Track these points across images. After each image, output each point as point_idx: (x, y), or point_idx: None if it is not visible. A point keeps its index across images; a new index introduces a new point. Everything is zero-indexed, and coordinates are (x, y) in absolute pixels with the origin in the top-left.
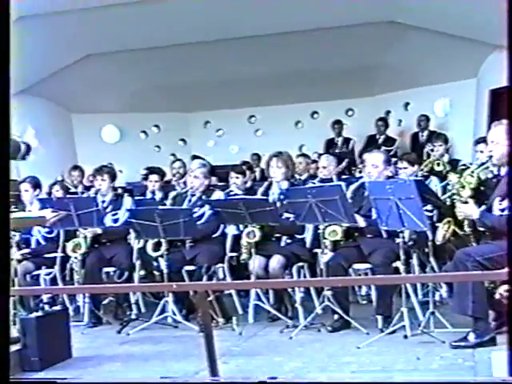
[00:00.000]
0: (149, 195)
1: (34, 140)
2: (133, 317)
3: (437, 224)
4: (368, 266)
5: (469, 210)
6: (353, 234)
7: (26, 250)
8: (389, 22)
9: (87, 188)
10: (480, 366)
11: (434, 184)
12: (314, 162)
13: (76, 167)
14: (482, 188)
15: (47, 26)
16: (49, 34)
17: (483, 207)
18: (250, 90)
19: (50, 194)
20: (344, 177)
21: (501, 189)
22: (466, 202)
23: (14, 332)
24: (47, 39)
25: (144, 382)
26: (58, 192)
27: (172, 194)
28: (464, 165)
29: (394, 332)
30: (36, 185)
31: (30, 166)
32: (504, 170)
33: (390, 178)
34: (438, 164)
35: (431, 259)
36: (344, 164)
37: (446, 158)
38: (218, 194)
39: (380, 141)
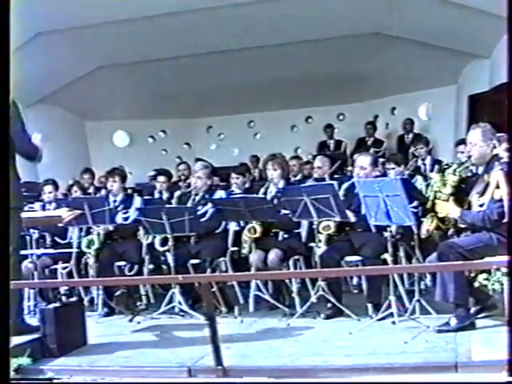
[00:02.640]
0: (156, 195)
1: (41, 144)
2: (143, 307)
3: (421, 219)
4: (359, 258)
5: (449, 210)
6: (344, 228)
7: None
8: (375, 34)
9: (98, 189)
10: (461, 348)
11: (420, 183)
12: (308, 163)
13: (87, 170)
14: (462, 185)
15: (62, 40)
16: (63, 47)
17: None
18: (249, 97)
19: (66, 194)
20: (336, 176)
21: (478, 186)
22: (447, 200)
23: (35, 321)
24: (62, 53)
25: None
26: (76, 192)
27: (177, 194)
28: (447, 164)
29: (383, 318)
30: (56, 186)
31: (47, 168)
32: (481, 169)
33: (378, 177)
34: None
35: (416, 251)
36: (336, 165)
37: (428, 160)
38: (219, 193)
39: (369, 143)
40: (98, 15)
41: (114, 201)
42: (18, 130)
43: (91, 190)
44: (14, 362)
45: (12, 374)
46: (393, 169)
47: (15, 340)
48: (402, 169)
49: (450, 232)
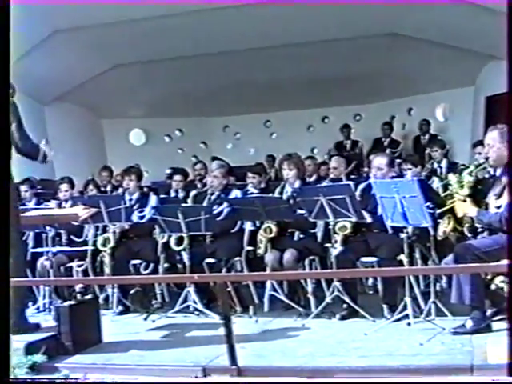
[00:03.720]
0: (172, 194)
1: (47, 148)
2: (158, 305)
3: (438, 220)
4: (374, 259)
5: (467, 209)
6: (360, 229)
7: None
8: (392, 34)
9: (115, 187)
10: (477, 350)
11: (436, 184)
12: (324, 163)
13: (105, 168)
14: (479, 187)
15: (79, 38)
16: (81, 46)
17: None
18: (265, 96)
19: (82, 192)
20: (352, 177)
21: (496, 187)
22: (464, 201)
23: (50, 319)
24: (79, 51)
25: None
26: (92, 190)
27: (193, 193)
28: (463, 165)
29: (398, 320)
30: (72, 184)
31: (64, 166)
32: (499, 171)
33: (394, 178)
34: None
35: (432, 253)
36: (353, 165)
37: (444, 163)
38: (235, 193)
39: (385, 143)
40: (115, 13)
41: (130, 199)
42: (16, 129)
43: (109, 188)
44: (29, 359)
45: (27, 371)
46: (409, 169)
47: (28, 337)
48: (419, 170)
49: (467, 233)
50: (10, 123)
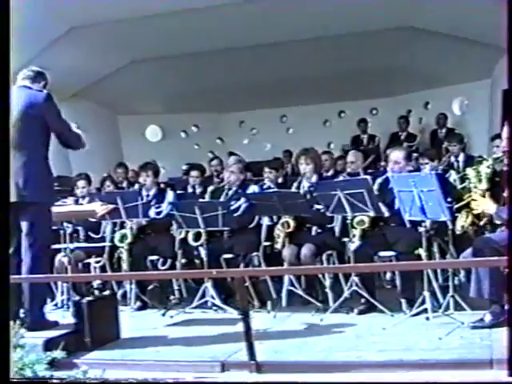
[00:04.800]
0: (190, 190)
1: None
2: (175, 301)
3: (456, 214)
4: (392, 253)
5: (486, 205)
6: (378, 223)
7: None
8: (408, 28)
9: (131, 183)
10: (496, 344)
11: (453, 178)
12: (342, 157)
13: (121, 164)
14: (496, 179)
15: (95, 35)
16: (97, 42)
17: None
18: (281, 91)
19: (99, 189)
20: (370, 171)
21: None
22: (483, 196)
23: (69, 315)
24: (95, 47)
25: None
26: (109, 187)
27: (210, 189)
28: (480, 156)
29: (416, 314)
30: (89, 181)
31: (80, 162)
32: None
33: (411, 172)
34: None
35: (451, 247)
36: (370, 159)
37: (461, 157)
38: (252, 188)
39: (402, 137)
40: (131, 9)
41: (147, 195)
42: (58, 122)
43: (125, 185)
44: (48, 356)
45: (46, 367)
46: (426, 164)
47: (47, 334)
48: (436, 164)
49: (485, 226)
50: (8, 122)
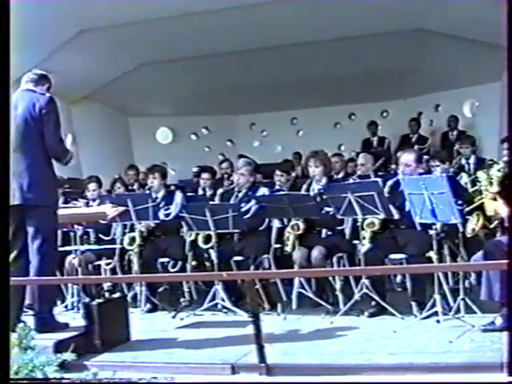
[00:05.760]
0: (200, 192)
1: (73, 146)
2: (186, 303)
3: (467, 217)
4: (403, 255)
5: (498, 209)
6: (389, 226)
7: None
8: (418, 30)
9: (142, 186)
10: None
11: (464, 181)
12: (352, 160)
13: (132, 166)
14: (506, 182)
15: (105, 38)
16: (106, 45)
17: None
18: (292, 94)
19: (109, 191)
20: (380, 173)
21: None
22: (494, 199)
23: (79, 317)
24: (105, 50)
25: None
26: (119, 189)
27: (220, 191)
28: (491, 160)
29: (427, 317)
30: (99, 183)
31: (91, 165)
32: None
33: (422, 175)
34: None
35: (461, 249)
36: (380, 162)
37: (472, 159)
38: (263, 190)
39: (413, 140)
40: (140, 13)
41: (156, 197)
42: (50, 128)
43: (135, 187)
44: (59, 358)
45: (56, 369)
46: (437, 166)
47: (57, 336)
48: (447, 166)
49: (496, 229)
50: (9, 123)
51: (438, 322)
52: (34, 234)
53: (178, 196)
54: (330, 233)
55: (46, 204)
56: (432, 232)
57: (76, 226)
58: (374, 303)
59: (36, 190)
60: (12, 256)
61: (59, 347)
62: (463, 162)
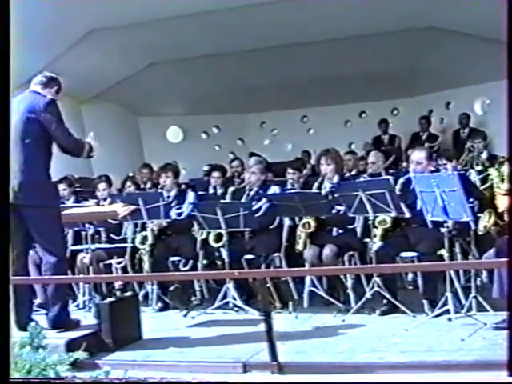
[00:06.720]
0: (211, 190)
1: (95, 142)
2: (197, 302)
3: (478, 215)
4: (414, 253)
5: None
6: (400, 224)
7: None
8: (429, 28)
9: (155, 184)
10: None
11: (473, 177)
12: (363, 158)
13: (146, 165)
14: None
15: (115, 37)
16: (117, 44)
17: None
18: (302, 92)
19: (120, 190)
20: (391, 171)
21: None
22: (505, 195)
23: (90, 316)
24: (116, 49)
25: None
26: (130, 187)
27: (231, 190)
28: (503, 157)
29: (439, 315)
30: (110, 183)
31: (101, 164)
32: None
33: (433, 172)
34: (477, 164)
35: (473, 247)
36: (391, 159)
37: (484, 155)
38: (274, 189)
39: (424, 137)
40: (151, 12)
41: (168, 196)
42: (55, 129)
43: (149, 186)
44: (71, 356)
45: (68, 368)
46: (444, 164)
47: (69, 335)
48: (455, 164)
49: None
50: (9, 123)
51: (449, 320)
52: (37, 234)
53: (191, 195)
54: (341, 231)
55: (38, 204)
56: (443, 230)
57: (87, 225)
58: (385, 301)
59: (27, 191)
60: (12, 256)
61: (71, 346)
62: (474, 157)
